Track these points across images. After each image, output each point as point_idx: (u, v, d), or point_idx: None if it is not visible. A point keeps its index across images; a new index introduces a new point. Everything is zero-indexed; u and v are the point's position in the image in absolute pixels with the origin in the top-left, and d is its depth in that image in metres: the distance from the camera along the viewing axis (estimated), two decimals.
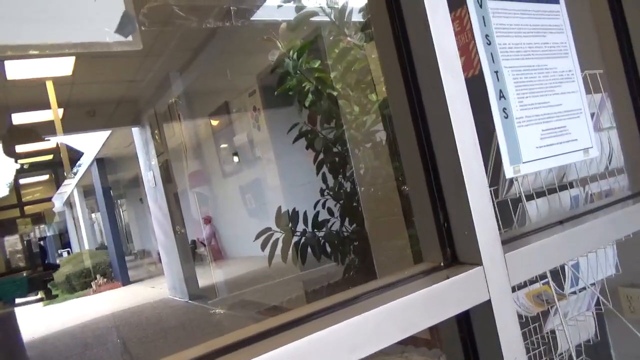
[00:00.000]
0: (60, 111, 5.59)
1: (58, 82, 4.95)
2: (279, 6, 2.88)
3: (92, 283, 8.00)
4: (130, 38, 0.49)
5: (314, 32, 3.13)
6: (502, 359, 0.62)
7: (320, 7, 2.76)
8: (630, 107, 1.22)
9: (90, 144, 8.15)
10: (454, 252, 0.69)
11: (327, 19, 2.79)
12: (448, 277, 0.63)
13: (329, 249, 3.07)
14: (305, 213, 3.10)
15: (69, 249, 11.16)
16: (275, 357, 0.48)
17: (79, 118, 5.99)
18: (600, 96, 1.50)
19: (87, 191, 10.45)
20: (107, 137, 7.60)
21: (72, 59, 4.44)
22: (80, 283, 7.97)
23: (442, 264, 0.69)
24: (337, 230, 3.08)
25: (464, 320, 0.67)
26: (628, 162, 1.24)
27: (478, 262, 0.65)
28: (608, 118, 1.53)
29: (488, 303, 0.64)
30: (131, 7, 0.49)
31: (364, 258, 2.99)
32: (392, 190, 2.78)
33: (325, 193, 3.11)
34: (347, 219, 3.05)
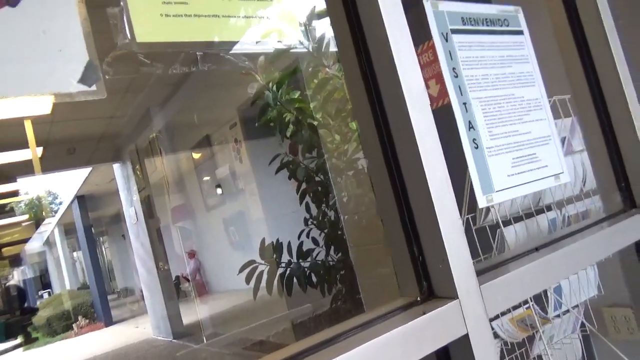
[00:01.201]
0: (40, 150, 5.53)
1: (37, 121, 4.91)
2: (258, 42, 2.93)
3: (73, 325, 7.76)
4: (94, 87, 0.49)
5: (292, 63, 3.17)
6: None
7: (299, 40, 2.80)
8: (598, 130, 1.26)
9: (70, 181, 8.05)
10: (430, 285, 0.69)
11: (305, 50, 2.84)
12: (425, 313, 0.62)
13: (315, 279, 3.05)
14: (289, 243, 3.08)
15: (49, 290, 10.86)
16: None
17: (58, 156, 5.93)
18: (571, 120, 1.54)
19: (67, 229, 10.25)
20: (88, 174, 7.51)
21: (51, 97, 4.41)
22: (62, 325, 7.72)
23: (418, 299, 0.69)
24: (323, 259, 3.06)
25: (443, 356, 0.66)
26: (600, 184, 1.26)
27: (454, 296, 0.65)
28: (579, 141, 1.56)
29: (466, 337, 0.64)
30: (95, 57, 0.50)
31: (350, 287, 2.96)
32: (375, 218, 2.78)
33: (309, 222, 3.10)
34: (332, 248, 3.03)
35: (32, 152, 5.20)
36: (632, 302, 1.16)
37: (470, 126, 0.89)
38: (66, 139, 5.73)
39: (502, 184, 0.89)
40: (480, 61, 0.97)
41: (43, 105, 4.58)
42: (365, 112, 0.76)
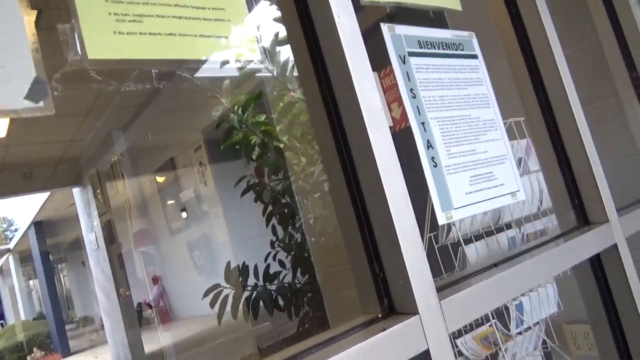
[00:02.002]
0: None
1: None
2: (222, 65, 2.94)
3: (27, 357, 7.36)
4: (41, 104, 0.47)
5: (257, 87, 3.19)
6: None
7: (262, 64, 2.83)
8: (551, 151, 1.31)
9: (27, 207, 7.74)
10: (390, 302, 0.69)
11: (269, 74, 2.87)
12: (385, 329, 0.62)
13: (281, 302, 3.01)
14: (255, 266, 3.05)
15: (2, 321, 10.30)
16: None
17: (14, 180, 5.71)
18: (526, 141, 1.60)
19: (23, 257, 9.81)
20: (46, 199, 7.26)
21: (6, 120, 4.27)
22: (14, 358, 7.31)
23: (379, 315, 0.69)
24: (289, 282, 3.03)
25: None
26: (555, 202, 1.31)
27: (414, 311, 0.65)
28: (535, 161, 1.62)
29: (426, 352, 0.64)
30: (43, 73, 0.49)
31: (317, 309, 2.94)
32: (342, 240, 2.78)
33: (276, 245, 3.08)
34: (299, 270, 3.01)
35: None
36: (589, 318, 1.20)
37: (429, 145, 0.91)
38: (22, 162, 5.54)
39: (460, 201, 0.91)
40: (437, 83, 1.00)
41: None
42: (326, 134, 0.77)
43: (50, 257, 8.59)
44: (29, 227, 8.25)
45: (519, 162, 1.57)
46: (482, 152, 1.02)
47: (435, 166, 0.90)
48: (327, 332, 0.65)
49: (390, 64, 1.01)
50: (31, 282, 10.87)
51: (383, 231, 0.69)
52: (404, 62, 0.96)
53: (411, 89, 0.94)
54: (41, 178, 6.05)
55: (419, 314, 0.65)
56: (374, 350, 0.59)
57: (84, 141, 5.47)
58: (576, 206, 1.19)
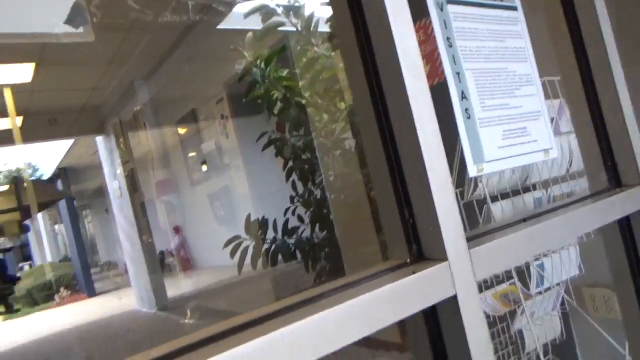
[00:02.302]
0: (19, 119, 5.40)
1: (16, 89, 4.79)
2: (247, 15, 2.88)
3: (55, 296, 7.72)
4: (81, 29, 0.47)
5: (280, 41, 3.14)
6: (469, 352, 0.63)
7: (287, 18, 2.77)
8: (586, 112, 1.27)
9: (52, 153, 7.90)
10: (419, 248, 0.70)
11: (293, 29, 2.81)
12: (414, 272, 0.63)
13: (299, 256, 3.07)
14: (275, 220, 3.09)
15: (30, 262, 10.75)
16: (235, 355, 0.47)
17: (39, 126, 5.80)
18: (559, 102, 1.55)
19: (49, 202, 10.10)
20: (70, 146, 7.38)
21: (32, 65, 4.30)
22: (43, 296, 7.67)
23: (408, 261, 0.69)
24: (308, 237, 3.07)
25: (430, 316, 0.67)
26: (587, 164, 1.28)
27: (443, 258, 0.66)
28: (566, 123, 1.58)
29: (454, 298, 0.64)
30: None
31: (334, 264, 2.99)
32: (361, 197, 2.80)
33: (295, 200, 3.11)
34: (317, 226, 3.05)
35: (12, 121, 5.09)
36: (612, 282, 1.19)
37: (463, 96, 0.89)
38: (47, 109, 5.61)
39: (492, 154, 0.89)
40: (474, 33, 0.97)
41: (23, 73, 4.49)
42: (360, 80, 0.75)
43: (74, 202, 8.84)
44: (53, 173, 8.45)
45: (551, 122, 1.54)
46: (517, 106, 0.99)
47: (469, 118, 0.88)
48: (355, 273, 0.65)
49: (423, 17, 0.97)
50: (56, 226, 11.24)
51: (415, 177, 0.69)
52: (441, 10, 0.92)
53: (447, 38, 0.91)
54: (65, 125, 6.14)
55: (448, 260, 0.65)
56: (403, 292, 0.60)
57: (106, 89, 5.50)
58: (609, 167, 1.16)
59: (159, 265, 6.49)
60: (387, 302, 0.59)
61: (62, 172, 8.33)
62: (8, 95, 4.83)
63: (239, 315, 0.57)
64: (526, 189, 1.49)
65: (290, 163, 3.13)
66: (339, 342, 0.54)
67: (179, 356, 0.49)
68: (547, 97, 1.49)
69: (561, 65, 1.36)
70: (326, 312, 0.54)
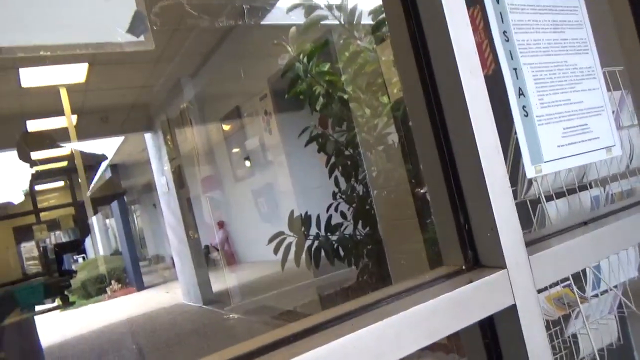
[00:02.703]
0: (74, 118, 5.65)
1: (71, 89, 5.00)
2: (289, 10, 2.89)
3: (107, 289, 8.05)
4: (142, 38, 0.47)
5: (323, 35, 3.12)
6: None
7: (330, 11, 2.75)
8: None
9: (104, 150, 8.21)
10: (475, 254, 0.67)
11: (336, 22, 2.79)
12: (471, 281, 0.60)
13: (342, 253, 3.06)
14: (318, 217, 3.09)
15: (84, 255, 11.26)
16: None
17: (92, 124, 6.05)
18: (620, 93, 1.47)
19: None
20: (121, 143, 7.65)
21: (85, 65, 4.48)
22: (96, 289, 8.02)
23: (463, 267, 0.67)
24: (351, 234, 3.06)
25: (487, 326, 0.64)
26: None
27: (502, 265, 0.63)
28: (628, 116, 1.49)
29: (513, 307, 0.62)
30: (143, 7, 0.48)
31: (377, 261, 2.96)
32: (405, 193, 2.76)
33: (338, 196, 3.09)
34: (360, 223, 3.03)
35: (67, 120, 5.32)
36: None
37: (521, 93, 0.84)
38: (99, 107, 5.84)
39: (551, 154, 0.85)
40: (532, 25, 0.92)
41: (78, 73, 4.67)
42: (412, 73, 0.73)
43: (124, 198, 9.17)
44: (105, 169, 8.80)
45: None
46: (577, 102, 0.94)
47: (527, 115, 0.84)
48: (409, 280, 0.64)
49: (473, 5, 0.93)
50: (107, 220, 11.72)
51: (471, 179, 0.66)
52: (497, 2, 0.88)
53: (504, 32, 0.87)
54: (116, 123, 6.38)
55: (506, 268, 0.63)
56: (461, 301, 0.58)
57: (154, 87, 5.66)
58: None
59: (204, 259, 6.64)
60: (446, 312, 0.57)
61: (112, 168, 8.66)
62: (64, 94, 5.06)
63: (284, 310, 0.56)
64: (582, 187, 1.42)
65: (333, 159, 3.11)
66: (399, 352, 0.53)
67: None
68: (607, 89, 1.41)
69: (625, 53, 1.28)
70: (385, 321, 0.53)
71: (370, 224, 3.05)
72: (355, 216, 3.05)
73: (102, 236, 11.46)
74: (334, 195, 3.11)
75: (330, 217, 3.08)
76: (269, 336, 0.52)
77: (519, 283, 0.62)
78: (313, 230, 3.08)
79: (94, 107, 5.78)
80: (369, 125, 2.95)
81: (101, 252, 11.03)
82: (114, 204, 8.83)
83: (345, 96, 2.96)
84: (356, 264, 3.04)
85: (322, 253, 3.07)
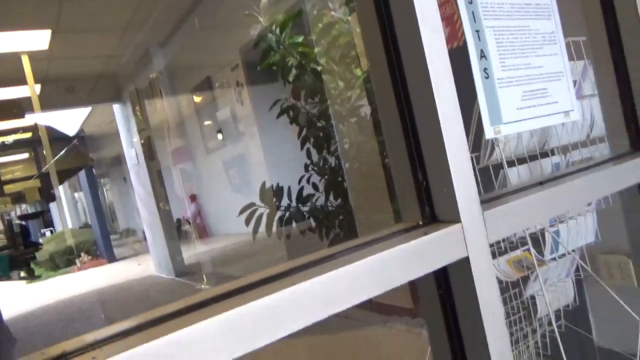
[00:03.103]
0: (38, 87, 5.45)
1: (34, 56, 4.81)
2: None
3: (76, 260, 7.95)
4: None
5: (296, 5, 3.07)
6: (479, 313, 0.62)
7: None
8: (612, 74, 1.22)
9: (70, 121, 7.98)
10: (432, 210, 0.69)
11: None
12: (426, 234, 0.62)
13: (313, 224, 3.08)
14: (289, 188, 3.10)
15: (52, 228, 11.04)
16: (246, 311, 0.48)
17: (57, 94, 5.85)
18: (583, 63, 1.50)
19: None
20: (88, 115, 7.44)
21: (48, 32, 4.30)
22: (64, 261, 7.91)
23: (420, 223, 0.68)
24: (322, 205, 3.08)
25: (442, 277, 0.67)
26: (609, 128, 1.24)
27: (456, 220, 0.65)
28: (590, 86, 1.53)
29: (466, 259, 0.64)
30: None
31: (348, 232, 3.01)
32: (376, 165, 2.79)
33: (310, 168, 3.11)
34: (331, 194, 3.05)
35: (31, 89, 5.13)
36: (630, 248, 1.17)
37: (482, 55, 0.85)
38: (64, 76, 5.65)
39: (510, 116, 0.87)
40: None
41: (40, 40, 4.48)
42: (375, 35, 0.73)
43: (93, 170, 8.98)
44: (73, 141, 8.57)
45: (574, 84, 1.49)
46: (538, 66, 0.95)
47: (487, 78, 0.85)
48: (368, 235, 0.65)
49: None
50: (76, 194, 11.48)
51: (430, 138, 0.67)
52: None
53: None
54: (83, 93, 6.18)
55: (461, 222, 0.64)
56: (415, 253, 0.60)
57: (122, 57, 5.49)
58: (631, 131, 1.13)
59: (176, 232, 6.61)
60: (399, 263, 0.58)
61: (80, 140, 8.44)
62: (25, 61, 4.86)
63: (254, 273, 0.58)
64: (544, 154, 1.46)
65: (305, 131, 3.11)
66: (351, 300, 0.54)
67: (196, 310, 0.50)
68: (570, 58, 1.44)
69: (588, 24, 1.30)
70: (338, 270, 0.54)
71: (341, 195, 3.08)
72: (327, 188, 3.08)
73: (71, 209, 11.24)
74: (306, 167, 3.12)
75: (302, 189, 3.10)
76: (222, 288, 0.53)
77: (472, 237, 0.65)
78: (285, 202, 3.09)
79: (58, 76, 5.58)
80: (342, 97, 2.95)
81: (70, 226, 10.83)
82: (83, 177, 8.64)
83: (319, 68, 2.94)
84: (327, 235, 3.08)
85: (294, 224, 3.10)
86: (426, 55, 0.66)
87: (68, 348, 0.44)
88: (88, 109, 7.18)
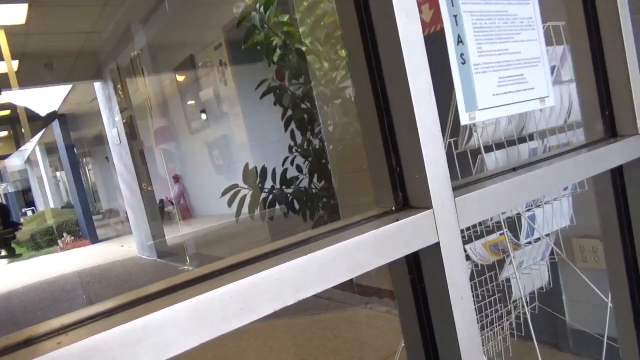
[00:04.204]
0: (15, 63, 5.30)
1: (10, 31, 4.68)
2: None
3: (58, 241, 7.88)
4: None
5: None
6: (448, 298, 0.64)
7: None
8: (589, 60, 1.23)
9: (50, 99, 7.81)
10: (405, 196, 0.69)
11: None
12: (397, 220, 0.63)
13: (297, 206, 3.09)
14: (273, 170, 3.10)
15: (33, 208, 10.90)
16: (215, 295, 0.48)
17: (36, 71, 5.71)
18: (562, 48, 1.51)
19: (49, 149, 10.12)
20: (68, 92, 7.29)
21: (25, 6, 4.18)
22: (46, 241, 7.84)
23: (393, 209, 0.69)
24: (306, 187, 3.09)
25: (413, 263, 0.68)
26: (585, 113, 1.26)
27: (428, 206, 0.65)
28: (569, 71, 1.54)
29: (437, 245, 0.65)
30: None
31: (331, 214, 3.02)
32: (360, 147, 2.79)
33: (294, 150, 3.10)
34: (315, 176, 3.06)
35: (7, 64, 5.00)
36: (602, 231, 1.20)
37: (459, 40, 0.85)
38: (43, 52, 5.50)
39: (486, 102, 0.87)
40: None
41: (17, 14, 4.36)
42: (351, 16, 0.72)
43: (74, 150, 8.84)
44: (53, 120, 8.40)
45: (552, 70, 1.50)
46: (515, 52, 0.96)
47: (464, 63, 0.85)
48: (341, 220, 0.65)
49: None
50: (58, 173, 11.31)
51: (403, 124, 0.67)
52: None
53: None
54: (62, 70, 6.04)
55: (432, 208, 0.65)
56: (386, 238, 0.60)
57: (103, 33, 5.37)
58: (606, 117, 1.14)
59: (158, 213, 6.57)
60: (370, 248, 0.59)
61: (60, 118, 8.28)
62: (2, 37, 4.73)
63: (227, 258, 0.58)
64: (522, 140, 1.48)
65: (289, 112, 3.09)
66: (321, 285, 0.55)
67: (172, 293, 0.50)
68: (550, 43, 1.45)
69: (567, 9, 1.30)
70: (309, 256, 0.54)
71: (325, 178, 3.08)
72: (311, 169, 3.08)
73: (53, 189, 11.09)
74: (290, 148, 3.11)
75: (285, 171, 3.09)
76: (192, 273, 0.53)
77: (443, 222, 0.65)
78: (268, 184, 3.09)
79: (37, 52, 5.44)
80: (327, 78, 2.93)
81: (52, 205, 10.70)
82: (64, 157, 8.51)
83: (303, 48, 2.91)
84: (311, 217, 3.09)
85: (277, 206, 3.10)
86: (401, 40, 0.66)
87: (34, 333, 0.44)
88: (68, 87, 7.03)
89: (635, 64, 1.19)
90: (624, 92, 1.13)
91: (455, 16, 0.86)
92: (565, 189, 1.61)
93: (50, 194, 11.13)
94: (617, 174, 1.08)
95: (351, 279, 0.59)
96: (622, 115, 1.11)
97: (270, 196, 3.07)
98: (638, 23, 1.44)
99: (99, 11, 4.81)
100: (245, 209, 2.97)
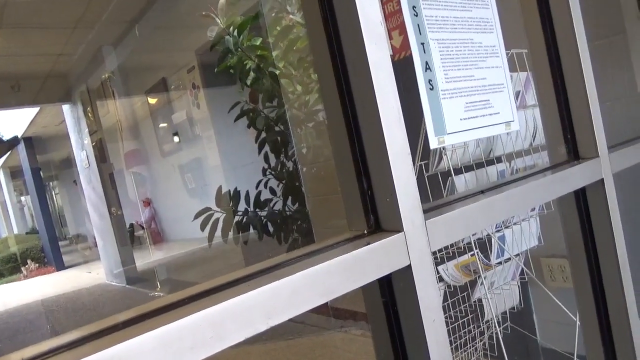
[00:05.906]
0: None
1: None
2: None
3: (22, 268, 7.59)
4: None
5: (254, 7, 3.05)
6: (421, 320, 0.64)
7: None
8: (550, 84, 1.28)
9: (16, 121, 7.62)
10: (377, 219, 0.70)
11: None
12: (369, 244, 0.63)
13: (271, 229, 3.07)
14: (247, 193, 3.08)
15: None
16: (187, 324, 0.47)
17: (1, 93, 5.57)
18: (526, 75, 1.57)
19: (14, 172, 9.83)
20: (35, 115, 7.13)
21: None
22: (9, 268, 7.54)
23: (365, 232, 0.69)
24: (280, 209, 3.08)
25: (385, 286, 0.68)
26: (548, 137, 1.30)
27: (399, 229, 0.66)
28: (533, 96, 1.60)
29: (408, 267, 0.65)
30: None
31: (306, 237, 3.01)
32: (333, 170, 2.80)
33: (268, 173, 3.09)
34: (289, 199, 3.05)
35: None
36: (568, 251, 1.23)
37: (427, 67, 0.88)
38: (9, 74, 5.39)
39: (454, 126, 0.89)
40: (441, 2, 0.96)
41: None
42: (322, 46, 0.74)
43: (41, 173, 8.60)
44: (17, 144, 8.18)
45: (517, 95, 1.55)
46: (481, 78, 0.99)
47: (432, 89, 0.88)
48: (312, 245, 0.65)
49: None
50: (23, 197, 10.97)
51: (374, 148, 0.69)
52: None
53: (413, 6, 0.89)
54: (30, 92, 5.92)
55: (403, 231, 0.66)
56: (357, 262, 0.61)
57: (73, 56, 5.30)
58: (568, 140, 1.19)
59: (128, 238, 6.42)
60: (341, 273, 0.59)
61: (26, 141, 8.07)
62: None
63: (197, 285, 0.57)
64: (490, 162, 1.52)
65: (263, 135, 3.10)
66: (293, 310, 0.55)
67: (140, 322, 0.49)
68: (514, 69, 1.50)
69: (529, 37, 1.36)
70: (280, 281, 0.54)
71: (299, 200, 3.08)
72: (285, 192, 3.07)
73: (17, 214, 10.72)
74: (264, 171, 3.11)
75: (259, 193, 3.08)
76: (165, 299, 0.52)
77: (414, 245, 0.66)
78: (242, 206, 3.07)
79: (3, 73, 5.33)
80: (300, 101, 2.95)
81: (15, 231, 10.33)
82: (29, 180, 8.26)
83: (277, 72, 2.94)
84: (285, 239, 3.07)
85: (251, 229, 3.08)
86: (370, 67, 0.67)
87: None
88: (35, 109, 6.88)
89: (593, 90, 1.24)
90: (584, 117, 1.18)
91: (422, 44, 0.89)
92: (533, 209, 1.65)
93: (14, 219, 10.76)
94: (581, 195, 1.12)
95: (326, 302, 0.59)
96: (583, 139, 1.16)
97: (244, 219, 3.05)
98: (597, 50, 1.52)
99: (69, 34, 4.76)
100: (218, 233, 2.94)
